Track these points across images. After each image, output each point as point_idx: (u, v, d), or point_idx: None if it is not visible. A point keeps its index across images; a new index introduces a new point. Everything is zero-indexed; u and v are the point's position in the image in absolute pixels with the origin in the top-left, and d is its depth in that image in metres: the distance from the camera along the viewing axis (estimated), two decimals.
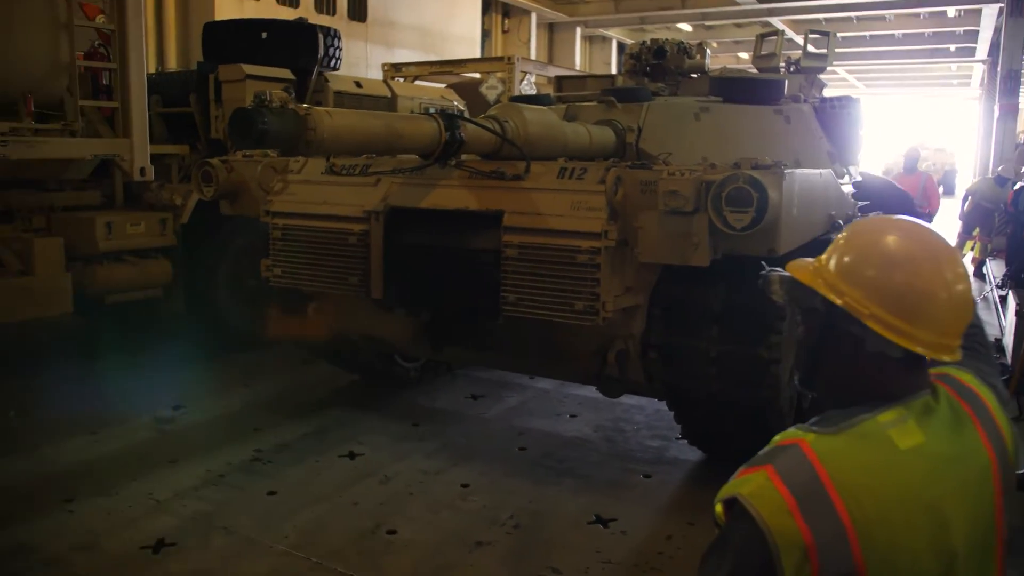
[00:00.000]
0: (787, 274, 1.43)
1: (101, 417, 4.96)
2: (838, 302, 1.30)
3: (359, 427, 4.93)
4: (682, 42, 5.43)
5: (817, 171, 3.97)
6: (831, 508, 1.19)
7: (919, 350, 1.26)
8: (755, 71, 5.80)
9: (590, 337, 3.88)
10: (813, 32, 5.82)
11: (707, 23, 20.28)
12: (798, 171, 3.58)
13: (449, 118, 3.63)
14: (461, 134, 3.64)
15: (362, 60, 12.41)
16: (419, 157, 3.88)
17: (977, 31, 20.02)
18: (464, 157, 3.94)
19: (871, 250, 1.32)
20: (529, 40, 18.10)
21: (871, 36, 22.59)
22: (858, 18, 20.48)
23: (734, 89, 4.74)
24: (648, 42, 5.41)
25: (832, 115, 4.94)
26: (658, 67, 5.37)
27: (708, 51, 5.43)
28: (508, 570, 3.37)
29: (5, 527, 3.59)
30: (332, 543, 3.52)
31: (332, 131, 3.10)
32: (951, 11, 19.09)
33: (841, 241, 1.37)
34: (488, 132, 3.78)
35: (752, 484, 1.22)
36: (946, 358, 1.30)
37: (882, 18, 20.62)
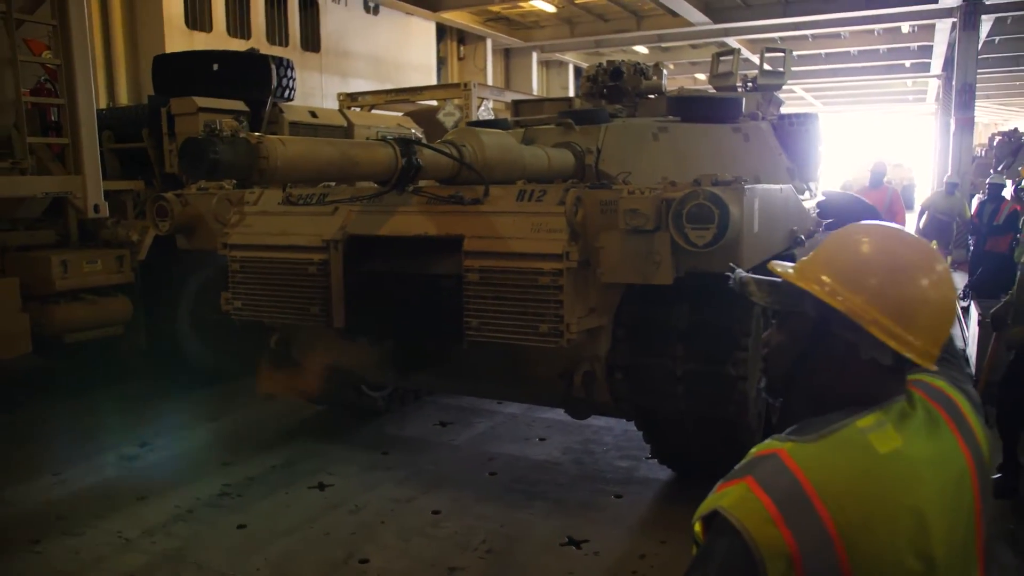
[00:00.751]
0: (760, 276, 1.41)
1: (65, 457, 4.89)
2: (842, 308, 1.27)
3: (328, 458, 4.90)
4: (639, 63, 5.49)
5: (777, 187, 4.02)
6: (815, 515, 1.17)
7: (911, 356, 1.26)
8: (713, 90, 5.90)
9: (555, 360, 3.88)
10: (769, 50, 5.93)
11: (663, 44, 20.64)
12: (759, 187, 3.61)
13: (405, 144, 3.63)
14: (418, 159, 3.64)
15: (317, 90, 12.43)
16: (376, 184, 3.87)
17: (931, 46, 20.35)
18: (422, 183, 3.94)
19: (872, 257, 1.30)
20: (485, 67, 18.26)
21: (827, 54, 22.99)
22: (813, 36, 20.88)
23: (692, 108, 4.82)
24: (604, 64, 5.46)
25: (790, 132, 5.04)
26: (615, 88, 5.44)
27: (665, 71, 5.50)
28: None
29: None
30: (304, 574, 3.49)
31: (286, 159, 3.08)
32: (905, 27, 19.38)
33: (833, 247, 1.35)
34: (445, 157, 3.79)
35: (733, 496, 1.20)
36: (927, 365, 1.30)
37: (837, 35, 20.95)
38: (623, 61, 5.49)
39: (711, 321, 3.56)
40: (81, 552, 3.72)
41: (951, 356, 1.56)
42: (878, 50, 22.47)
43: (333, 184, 4.33)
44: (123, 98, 10.12)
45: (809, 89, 29.07)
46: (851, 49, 22.40)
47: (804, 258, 1.39)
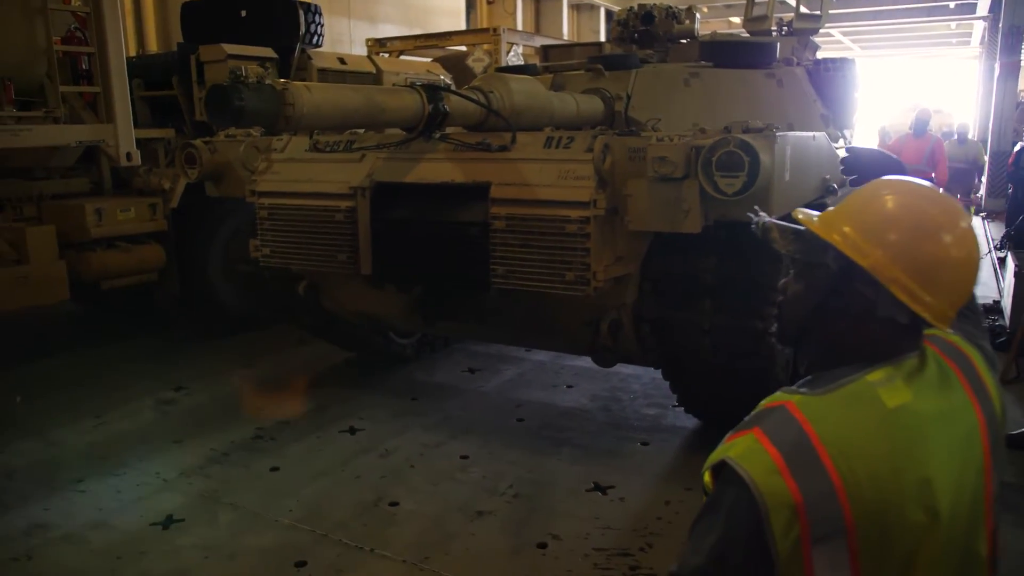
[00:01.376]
0: (783, 223, 1.39)
1: (106, 401, 5.03)
2: (864, 263, 1.26)
3: (358, 403, 4.99)
4: (670, 6, 5.32)
5: (810, 134, 3.92)
6: (820, 467, 1.18)
7: (927, 316, 1.26)
8: (746, 35, 5.73)
9: (582, 308, 3.86)
10: None
11: None
12: (790, 134, 3.51)
13: (432, 90, 3.58)
14: (445, 106, 3.59)
15: (345, 36, 12.31)
16: (403, 131, 3.84)
17: None
18: (449, 130, 3.90)
19: (897, 213, 1.29)
20: (515, 11, 17.87)
21: None
22: None
23: (724, 53, 4.69)
24: (636, 7, 5.31)
25: (826, 77, 4.89)
26: (646, 33, 5.29)
27: (698, 15, 5.32)
28: (509, 537, 3.44)
29: (21, 507, 3.69)
30: (335, 516, 3.59)
31: (312, 106, 3.06)
32: None
33: (859, 200, 1.33)
34: (472, 103, 3.74)
35: (740, 447, 1.22)
36: (944, 327, 1.30)
37: None
38: (654, 5, 5.33)
39: (739, 274, 3.51)
40: (122, 491, 3.86)
41: (969, 311, 1.54)
42: None
43: (362, 131, 4.29)
44: (152, 46, 10.10)
45: (847, 32, 28.11)
46: None
47: (830, 208, 1.37)
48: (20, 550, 3.34)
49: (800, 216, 1.37)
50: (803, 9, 5.39)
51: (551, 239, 3.54)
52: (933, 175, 9.91)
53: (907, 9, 23.48)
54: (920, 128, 10.27)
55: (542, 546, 3.37)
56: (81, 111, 5.76)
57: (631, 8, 5.39)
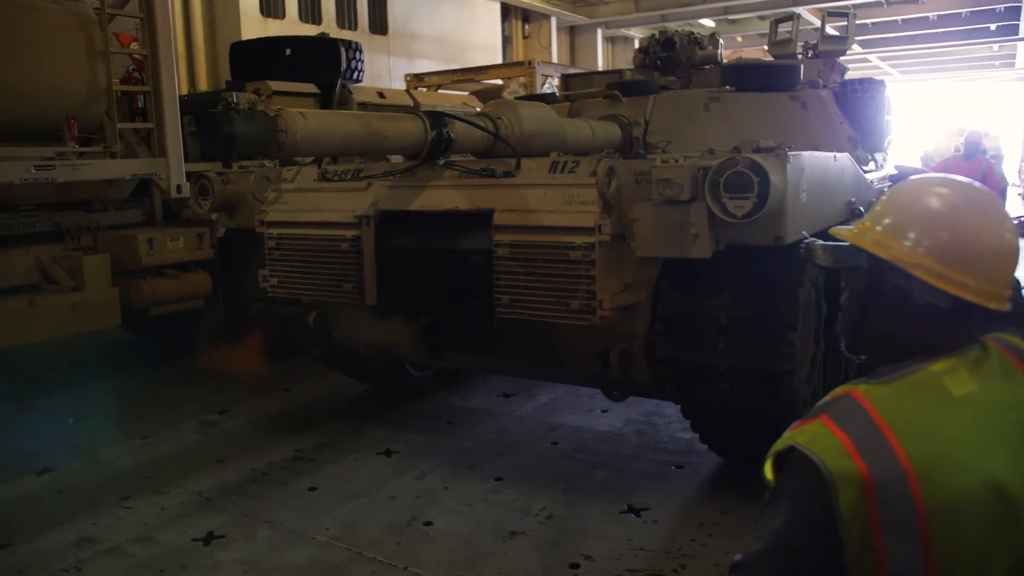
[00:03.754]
0: (828, 243, 1.48)
1: (152, 422, 5.23)
2: (884, 255, 1.32)
3: (394, 427, 5.08)
4: (692, 32, 5.31)
5: (831, 155, 3.85)
6: (889, 449, 1.18)
7: (968, 297, 1.27)
8: (771, 59, 5.74)
9: (590, 338, 3.70)
10: (832, 14, 5.66)
11: (730, 17, 20.13)
12: (806, 154, 3.40)
13: (436, 116, 3.53)
14: (448, 132, 3.53)
15: (385, 72, 12.65)
16: (406, 158, 3.82)
17: (1019, 7, 19.06)
18: (456, 157, 3.86)
19: (914, 204, 1.34)
20: (550, 44, 18.19)
21: (904, 20, 21.82)
22: (888, 1, 19.93)
23: (746, 77, 4.67)
24: (657, 34, 5.31)
25: (853, 99, 4.77)
26: (668, 60, 5.26)
27: (721, 41, 5.31)
28: (541, 557, 3.47)
29: (70, 522, 3.85)
30: (370, 534, 3.67)
31: (306, 132, 3.00)
32: None
33: (883, 202, 1.40)
34: (479, 130, 3.67)
35: (808, 433, 1.24)
36: (993, 306, 1.30)
37: (915, 0, 20.03)
38: (676, 31, 5.32)
39: (753, 313, 3.35)
40: (166, 508, 4.00)
41: None
42: (960, 14, 21.21)
43: (367, 159, 4.27)
44: (203, 84, 10.53)
45: (885, 57, 27.76)
46: (930, 14, 21.20)
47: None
48: (69, 562, 3.49)
49: (834, 231, 1.47)
50: (829, 30, 5.38)
51: (555, 266, 3.41)
52: None
53: (946, 32, 23.03)
54: (971, 150, 10.04)
55: (574, 566, 3.39)
56: (136, 146, 6.03)
57: (652, 35, 5.40)
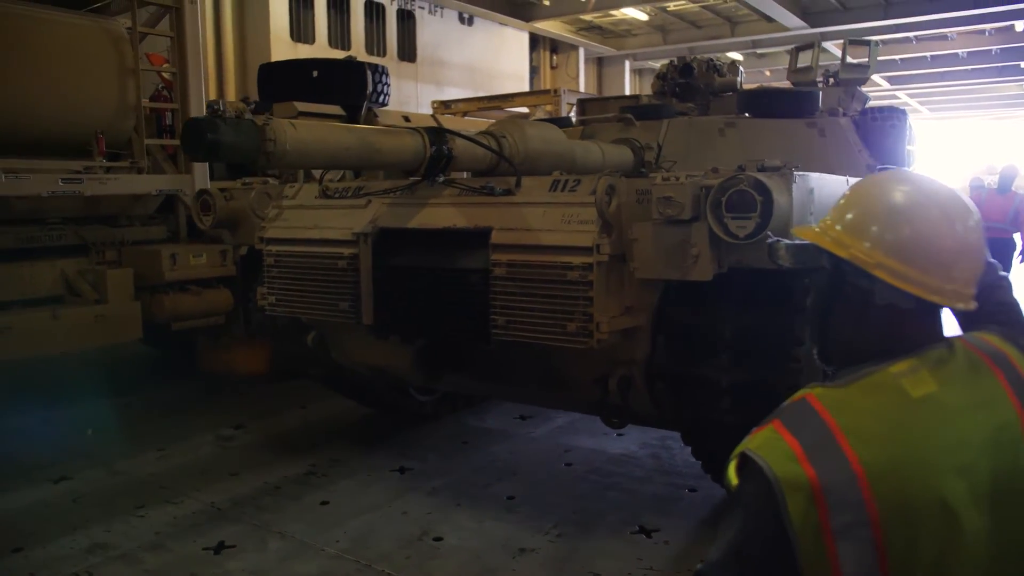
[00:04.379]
0: (792, 242, 1.45)
1: (169, 435, 5.27)
2: (843, 254, 1.27)
3: (409, 445, 5.08)
4: (711, 59, 5.26)
5: (844, 178, 3.76)
6: (839, 454, 1.15)
7: (932, 298, 1.23)
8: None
9: (589, 363, 3.54)
10: (853, 42, 5.53)
11: (758, 51, 20.22)
12: (815, 175, 3.27)
13: (436, 132, 3.45)
14: (449, 149, 3.46)
15: (412, 99, 12.83)
16: (405, 175, 3.76)
17: None
18: (459, 175, 3.78)
19: (874, 202, 1.30)
20: (578, 75, 18.37)
21: (932, 57, 21.76)
22: (917, 38, 19.79)
23: (763, 103, 4.62)
24: (675, 60, 5.27)
25: (874, 127, 4.68)
26: (686, 86, 5.20)
27: (742, 68, 5.25)
28: (550, 574, 3.44)
29: (84, 528, 3.89)
30: (381, 548, 3.65)
31: (296, 143, 2.90)
32: (1019, 25, 17.99)
33: (844, 199, 1.35)
34: (482, 147, 3.58)
35: (759, 438, 1.21)
36: (960, 306, 1.26)
37: (944, 37, 19.75)
38: (695, 57, 5.27)
39: (759, 327, 3.21)
40: (178, 518, 4.02)
41: (1016, 322, 1.51)
42: (990, 51, 21.11)
43: (368, 176, 4.24)
44: (231, 102, 10.73)
45: (914, 95, 27.69)
46: (960, 51, 21.14)
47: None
48: (81, 566, 3.51)
49: (796, 230, 1.42)
50: (849, 59, 5.30)
51: (552, 287, 3.27)
52: (1018, 235, 9.46)
53: (975, 70, 22.92)
54: (1005, 185, 9.77)
55: None
56: (163, 162, 6.17)
57: (671, 61, 5.34)
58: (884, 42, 18.78)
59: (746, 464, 1.21)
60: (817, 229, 1.35)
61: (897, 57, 20.64)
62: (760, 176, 2.91)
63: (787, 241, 1.45)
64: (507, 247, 3.40)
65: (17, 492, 4.35)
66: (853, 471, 1.14)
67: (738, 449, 1.24)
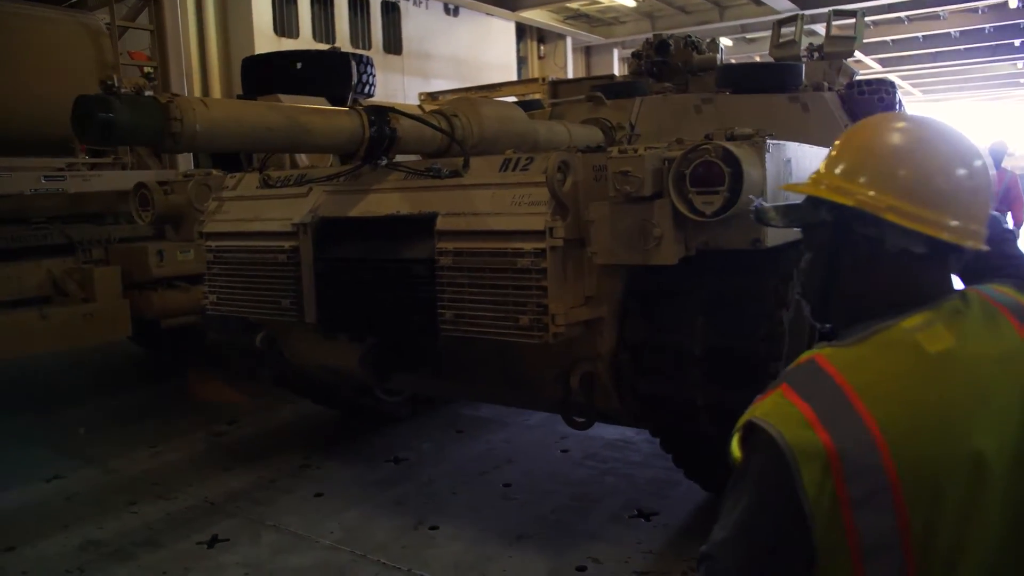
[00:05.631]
0: (780, 204, 1.38)
1: (162, 432, 5.23)
2: (850, 203, 1.19)
3: (403, 436, 5.04)
4: (690, 36, 5.04)
5: (826, 149, 3.59)
6: (855, 417, 1.08)
7: (944, 236, 1.16)
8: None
9: (548, 359, 3.22)
10: (838, 14, 5.29)
11: (747, 35, 20.14)
12: (792, 144, 2.97)
13: (377, 111, 3.20)
14: (392, 130, 3.20)
15: (399, 91, 12.74)
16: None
17: None
18: (411, 159, 3.54)
19: (876, 144, 1.23)
20: (565, 64, 18.30)
21: (924, 37, 21.49)
22: (909, 18, 19.66)
23: (742, 78, 4.41)
24: (651, 38, 5.03)
25: (861, 101, 4.47)
26: (662, 64, 4.93)
27: (722, 45, 5.01)
28: (547, 560, 3.40)
29: (77, 526, 3.86)
30: (376, 538, 3.62)
31: (208, 123, 2.64)
32: (1013, 2, 17.61)
33: (839, 146, 1.28)
34: (431, 128, 3.31)
35: (767, 405, 1.14)
36: (970, 244, 1.18)
37: (936, 16, 19.47)
38: (672, 35, 5.03)
39: (733, 344, 2.90)
40: (171, 513, 3.98)
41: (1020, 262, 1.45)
42: (983, 29, 20.90)
43: (330, 163, 3.98)
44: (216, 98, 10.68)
45: (906, 76, 27.53)
46: (952, 30, 20.98)
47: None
48: (73, 564, 3.48)
49: (785, 186, 1.36)
50: (835, 31, 5.12)
51: (503, 277, 2.95)
52: (1005, 212, 9.40)
53: (969, 49, 22.74)
54: (994, 161, 9.76)
55: (581, 568, 3.34)
56: (148, 159, 6.10)
57: (647, 39, 5.11)
58: (875, 23, 18.69)
59: (753, 434, 1.13)
60: (810, 181, 1.28)
61: (889, 38, 20.53)
62: (728, 145, 2.60)
63: (772, 204, 1.38)
64: (453, 234, 3.09)
65: (9, 491, 4.31)
66: (872, 436, 1.07)
67: (742, 419, 1.17)
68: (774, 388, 1.16)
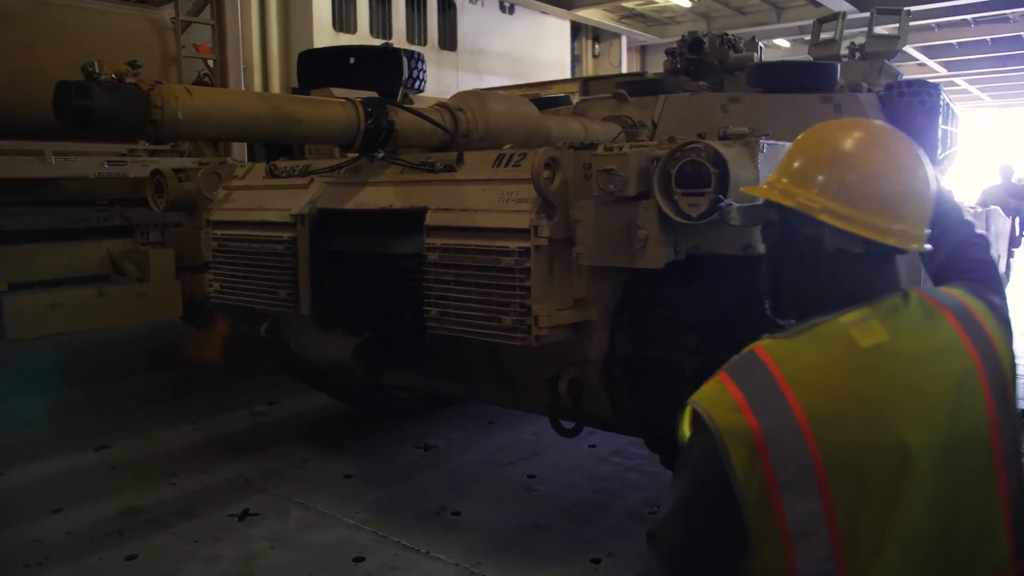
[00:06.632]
0: (745, 205, 1.45)
1: (204, 410, 5.46)
2: (790, 203, 1.26)
3: (435, 424, 5.17)
4: (726, 33, 4.95)
5: None
6: (784, 404, 1.14)
7: (878, 238, 1.22)
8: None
9: (535, 361, 3.12)
10: (882, 11, 5.11)
11: (805, 37, 19.72)
12: (788, 144, 2.86)
13: (375, 103, 3.16)
14: (390, 122, 3.15)
15: (453, 87, 12.86)
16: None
17: None
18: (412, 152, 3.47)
19: (819, 149, 1.30)
20: (620, 63, 18.22)
21: (993, 40, 20.75)
22: (975, 20, 19.10)
23: (773, 77, 4.30)
24: (686, 35, 4.93)
25: (900, 103, 4.28)
26: (697, 63, 4.81)
27: (761, 45, 4.90)
28: (564, 550, 3.48)
29: (119, 494, 4.08)
30: (398, 520, 3.74)
31: (191, 111, 2.59)
32: None
33: (791, 151, 1.35)
34: (430, 123, 3.24)
35: (705, 390, 1.22)
36: (914, 247, 1.25)
37: (1006, 19, 18.85)
38: (707, 32, 4.94)
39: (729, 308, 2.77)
40: (208, 486, 4.18)
41: (988, 279, 1.49)
42: None
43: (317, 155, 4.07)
44: (276, 90, 10.95)
45: (974, 81, 26.61)
46: (1022, 34, 20.27)
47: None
48: (113, 528, 3.70)
49: (744, 188, 1.45)
50: (878, 30, 4.90)
51: (487, 275, 2.87)
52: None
53: None
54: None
55: (596, 561, 3.40)
56: (204, 146, 6.34)
57: (682, 37, 4.99)
58: (940, 25, 18.07)
59: (694, 421, 1.21)
60: (764, 184, 1.36)
61: (955, 41, 19.87)
62: (717, 145, 2.47)
63: (739, 204, 1.45)
64: (442, 229, 3.01)
65: (60, 458, 4.56)
66: (797, 421, 1.14)
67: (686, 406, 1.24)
68: (714, 376, 1.24)
